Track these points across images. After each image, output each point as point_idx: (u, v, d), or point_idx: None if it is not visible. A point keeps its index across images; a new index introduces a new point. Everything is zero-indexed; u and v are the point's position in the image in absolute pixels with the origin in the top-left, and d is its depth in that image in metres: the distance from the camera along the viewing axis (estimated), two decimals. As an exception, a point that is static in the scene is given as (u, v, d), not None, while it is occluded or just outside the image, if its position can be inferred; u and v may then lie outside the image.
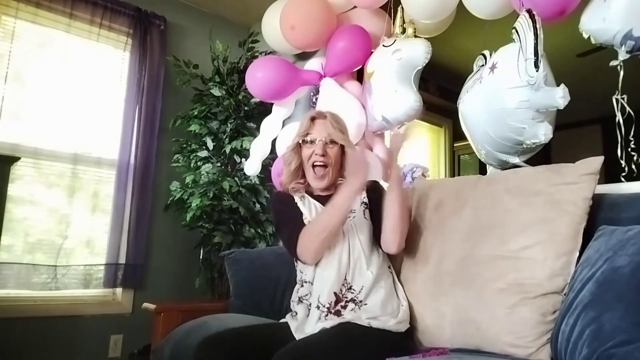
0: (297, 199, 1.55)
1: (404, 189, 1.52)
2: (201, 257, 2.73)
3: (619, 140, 1.46)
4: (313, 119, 1.55)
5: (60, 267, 2.51)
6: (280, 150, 2.44)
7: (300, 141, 1.54)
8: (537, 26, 1.39)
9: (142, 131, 2.77)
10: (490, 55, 1.65)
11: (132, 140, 2.75)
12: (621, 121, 1.48)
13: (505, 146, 1.59)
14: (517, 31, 1.47)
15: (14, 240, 2.42)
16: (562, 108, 1.41)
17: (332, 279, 1.37)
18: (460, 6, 1.94)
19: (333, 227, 1.36)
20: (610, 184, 1.44)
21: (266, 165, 2.57)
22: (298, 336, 1.33)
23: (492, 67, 1.57)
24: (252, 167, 2.48)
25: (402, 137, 1.44)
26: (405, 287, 1.48)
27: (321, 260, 1.41)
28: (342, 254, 1.40)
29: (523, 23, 1.44)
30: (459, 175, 4.62)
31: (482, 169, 2.10)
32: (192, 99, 2.86)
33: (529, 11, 1.43)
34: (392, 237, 1.41)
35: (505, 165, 1.67)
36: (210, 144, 2.76)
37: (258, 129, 2.61)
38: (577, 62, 3.59)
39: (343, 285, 1.38)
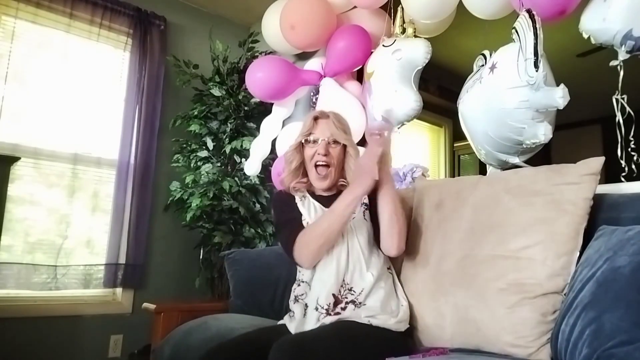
0: (297, 198, 1.54)
1: (397, 190, 1.51)
2: (201, 257, 2.73)
3: (619, 140, 1.46)
4: (316, 118, 1.55)
5: (60, 267, 2.51)
6: (280, 150, 2.44)
7: (303, 140, 1.54)
8: (537, 26, 1.39)
9: (142, 131, 2.77)
10: (490, 55, 1.65)
11: (132, 140, 2.75)
12: (621, 121, 1.48)
13: (505, 146, 1.59)
14: (517, 31, 1.47)
15: (14, 240, 2.42)
16: (561, 108, 1.41)
17: (331, 281, 1.36)
18: (460, 6, 1.94)
19: (331, 234, 1.35)
20: (611, 184, 1.44)
21: (266, 165, 2.57)
22: None
23: (492, 67, 1.57)
24: (252, 167, 2.48)
25: (387, 140, 1.39)
26: (405, 287, 1.48)
27: (319, 262, 1.40)
28: (340, 255, 1.39)
29: (523, 23, 1.44)
30: (459, 175, 4.62)
31: (482, 169, 2.10)
32: (192, 99, 2.86)
33: (528, 11, 1.43)
34: (390, 241, 1.41)
35: (505, 165, 1.67)
36: (210, 144, 2.76)
37: (258, 129, 2.61)
38: (577, 62, 3.59)
39: (342, 286, 1.37)
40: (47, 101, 2.57)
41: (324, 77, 2.32)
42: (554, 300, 1.14)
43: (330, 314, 1.33)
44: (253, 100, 2.74)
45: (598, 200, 1.22)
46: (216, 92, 2.76)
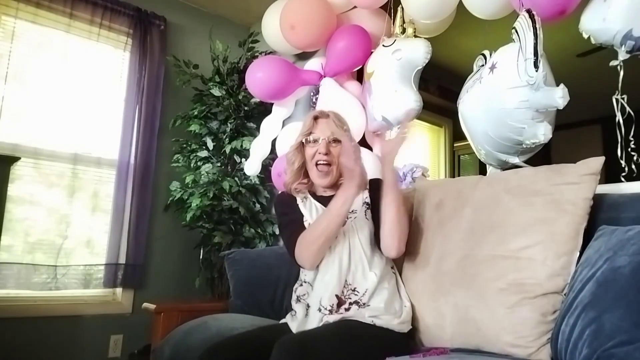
0: (299, 200, 1.55)
1: (401, 191, 1.51)
2: (201, 257, 2.73)
3: (619, 140, 1.46)
4: (316, 118, 1.56)
5: (60, 267, 2.51)
6: (280, 150, 2.44)
7: (304, 140, 1.54)
8: (537, 26, 1.39)
9: (142, 131, 2.77)
10: (490, 55, 1.65)
11: (132, 140, 2.75)
12: (621, 121, 1.48)
13: (504, 146, 1.59)
14: (516, 31, 1.47)
15: (14, 240, 2.42)
16: (561, 108, 1.41)
17: (334, 282, 1.36)
18: (460, 6, 1.94)
19: (330, 233, 1.35)
20: (611, 184, 1.44)
21: (266, 165, 2.57)
22: None
23: (492, 67, 1.57)
24: (252, 167, 2.48)
25: (399, 140, 1.40)
26: (405, 287, 1.48)
27: (321, 262, 1.40)
28: (342, 255, 1.39)
29: (523, 23, 1.44)
30: (459, 175, 4.62)
31: (482, 169, 2.10)
32: (192, 99, 2.86)
33: (528, 11, 1.43)
34: (390, 242, 1.40)
35: (505, 165, 1.67)
36: (210, 144, 2.76)
37: (258, 129, 2.61)
38: (577, 62, 3.59)
39: (344, 287, 1.37)
40: (47, 101, 2.57)
41: (324, 77, 2.32)
42: (554, 300, 1.14)
43: (333, 315, 1.33)
44: (253, 100, 2.74)
45: (598, 200, 1.22)
46: (216, 92, 2.76)
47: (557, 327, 1.06)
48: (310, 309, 1.38)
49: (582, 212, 1.17)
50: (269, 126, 2.51)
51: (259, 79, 2.31)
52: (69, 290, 2.55)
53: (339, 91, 2.27)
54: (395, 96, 1.98)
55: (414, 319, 1.42)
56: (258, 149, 2.49)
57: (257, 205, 2.77)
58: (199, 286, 2.69)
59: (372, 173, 1.57)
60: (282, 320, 1.48)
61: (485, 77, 1.60)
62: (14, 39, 2.49)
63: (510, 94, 1.49)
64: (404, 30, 2.12)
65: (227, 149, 2.72)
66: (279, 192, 1.73)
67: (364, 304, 1.35)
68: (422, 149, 4.54)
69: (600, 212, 1.21)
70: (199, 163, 2.78)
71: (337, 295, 1.35)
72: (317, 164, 1.51)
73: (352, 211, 1.46)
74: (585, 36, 1.48)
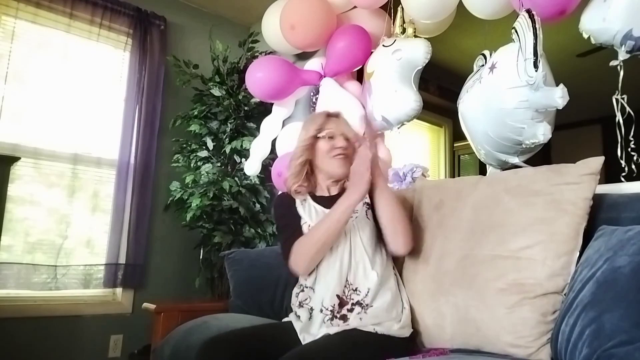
0: (298, 202, 1.54)
1: (393, 191, 1.52)
2: (201, 257, 2.73)
3: (619, 140, 1.46)
4: (328, 115, 1.59)
5: (60, 267, 2.51)
6: (280, 150, 2.44)
7: (319, 135, 1.54)
8: (537, 26, 1.39)
9: (142, 131, 2.77)
10: (490, 55, 1.65)
11: (132, 140, 2.75)
12: (621, 121, 1.48)
13: (504, 146, 1.59)
14: (516, 31, 1.47)
15: (14, 240, 2.42)
16: (561, 108, 1.41)
17: (334, 282, 1.36)
18: (460, 6, 1.94)
19: (328, 239, 1.35)
20: (611, 184, 1.44)
21: (266, 165, 2.57)
22: (303, 337, 1.33)
23: (492, 67, 1.57)
24: (252, 167, 2.48)
25: (372, 145, 1.42)
26: (405, 287, 1.48)
27: (322, 263, 1.40)
28: (343, 255, 1.39)
29: (522, 23, 1.44)
30: (459, 175, 4.62)
31: (482, 169, 2.10)
32: (192, 99, 2.86)
33: (528, 11, 1.43)
34: (396, 240, 1.41)
35: (505, 165, 1.67)
36: (210, 144, 2.76)
37: (258, 129, 2.61)
38: (577, 62, 3.59)
39: (345, 287, 1.37)
40: (47, 101, 2.57)
41: (324, 77, 2.32)
42: (554, 300, 1.14)
43: (336, 316, 1.33)
44: (253, 100, 2.74)
45: (598, 200, 1.21)
46: (216, 92, 2.76)
47: (557, 327, 1.06)
48: (314, 311, 1.38)
49: (582, 212, 1.17)
50: (269, 126, 2.51)
51: (259, 79, 2.31)
52: (69, 290, 2.55)
53: (339, 91, 2.27)
54: (395, 96, 1.98)
55: (413, 320, 1.41)
56: (258, 149, 2.49)
57: (257, 205, 2.78)
58: (199, 286, 2.69)
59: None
60: (285, 319, 1.48)
61: (485, 77, 1.60)
62: (14, 39, 2.49)
63: (510, 94, 1.49)
64: (404, 30, 2.12)
65: (227, 149, 2.72)
66: (279, 192, 1.73)
67: (367, 304, 1.34)
68: (422, 149, 4.55)
69: (600, 212, 1.21)
70: (199, 163, 2.78)
71: (338, 295, 1.35)
72: (336, 156, 1.51)
73: (353, 211, 1.46)
74: (585, 36, 1.48)
